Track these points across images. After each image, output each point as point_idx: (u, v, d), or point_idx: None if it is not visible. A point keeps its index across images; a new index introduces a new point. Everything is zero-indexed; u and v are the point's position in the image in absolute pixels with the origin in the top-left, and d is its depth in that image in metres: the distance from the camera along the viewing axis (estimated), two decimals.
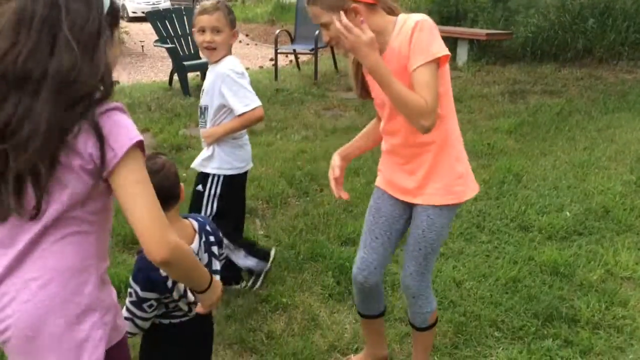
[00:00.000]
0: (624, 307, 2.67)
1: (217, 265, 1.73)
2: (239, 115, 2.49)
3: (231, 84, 2.48)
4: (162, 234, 1.13)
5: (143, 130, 5.72)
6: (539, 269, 2.99)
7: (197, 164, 2.65)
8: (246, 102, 2.48)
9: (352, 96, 7.13)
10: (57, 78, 1.06)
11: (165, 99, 6.85)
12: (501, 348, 2.41)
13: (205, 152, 2.61)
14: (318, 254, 3.12)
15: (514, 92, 6.97)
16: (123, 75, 11.10)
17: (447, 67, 1.81)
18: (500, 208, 3.73)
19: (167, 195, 1.48)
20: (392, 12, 1.84)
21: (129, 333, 1.58)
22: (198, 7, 2.55)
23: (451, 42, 9.18)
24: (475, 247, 3.24)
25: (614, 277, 2.93)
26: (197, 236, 1.66)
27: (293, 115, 6.14)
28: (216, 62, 2.54)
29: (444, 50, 1.72)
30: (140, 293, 1.61)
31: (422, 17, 1.76)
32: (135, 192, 1.12)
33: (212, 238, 1.71)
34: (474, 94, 6.97)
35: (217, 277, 1.59)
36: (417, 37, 1.71)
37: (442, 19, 10.23)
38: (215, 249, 1.72)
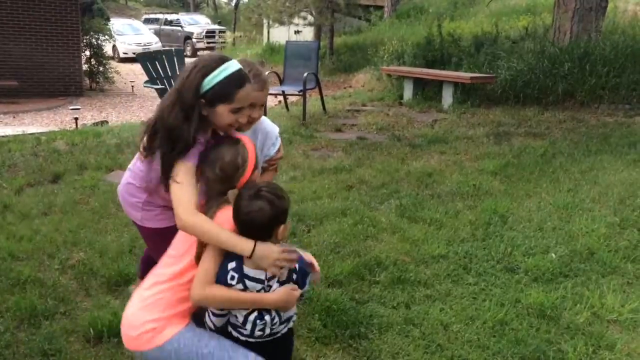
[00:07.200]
0: (611, 350, 2.66)
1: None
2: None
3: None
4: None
5: None
6: (525, 311, 2.99)
7: None
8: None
9: (339, 137, 7.21)
10: None
11: None
12: None
13: None
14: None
15: (499, 134, 7.09)
16: (112, 115, 11.15)
17: None
18: (486, 250, 3.74)
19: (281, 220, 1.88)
20: None
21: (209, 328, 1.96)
22: (251, 83, 2.05)
23: (437, 85, 9.41)
24: (462, 289, 3.24)
25: (601, 320, 2.93)
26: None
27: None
28: None
29: None
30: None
31: None
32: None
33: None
34: (459, 135, 7.09)
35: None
36: None
37: (427, 63, 10.49)
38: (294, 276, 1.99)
